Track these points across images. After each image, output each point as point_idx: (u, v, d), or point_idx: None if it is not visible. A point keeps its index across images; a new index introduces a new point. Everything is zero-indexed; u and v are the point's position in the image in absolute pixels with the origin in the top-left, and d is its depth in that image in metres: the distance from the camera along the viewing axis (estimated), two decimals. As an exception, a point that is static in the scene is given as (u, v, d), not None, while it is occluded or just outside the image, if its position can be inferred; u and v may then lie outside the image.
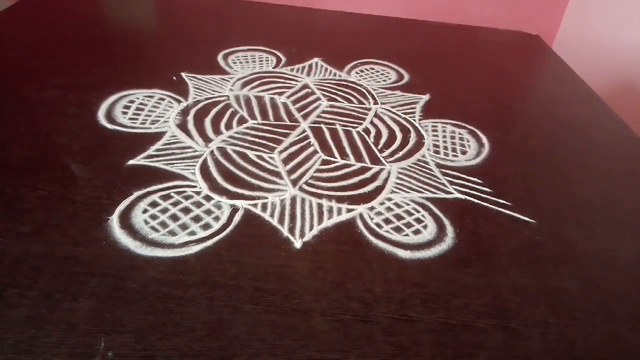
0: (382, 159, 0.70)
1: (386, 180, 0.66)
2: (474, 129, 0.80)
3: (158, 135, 0.69)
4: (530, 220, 0.61)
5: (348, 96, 0.86)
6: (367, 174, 0.66)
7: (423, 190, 0.65)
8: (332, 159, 0.69)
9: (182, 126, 0.72)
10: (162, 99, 0.78)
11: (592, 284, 0.54)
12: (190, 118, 0.74)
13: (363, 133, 0.75)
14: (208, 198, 0.59)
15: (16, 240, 0.50)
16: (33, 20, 1.02)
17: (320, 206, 0.60)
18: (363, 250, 0.54)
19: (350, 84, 0.90)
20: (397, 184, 0.65)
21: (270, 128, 0.74)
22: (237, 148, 0.69)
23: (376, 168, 0.68)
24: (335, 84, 0.90)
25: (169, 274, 0.48)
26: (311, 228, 0.56)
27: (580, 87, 1.00)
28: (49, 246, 0.50)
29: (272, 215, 0.57)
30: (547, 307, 0.50)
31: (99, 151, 0.65)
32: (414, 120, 0.81)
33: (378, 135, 0.75)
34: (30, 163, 0.61)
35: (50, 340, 0.41)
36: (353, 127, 0.77)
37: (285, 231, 0.55)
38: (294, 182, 0.63)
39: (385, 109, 0.83)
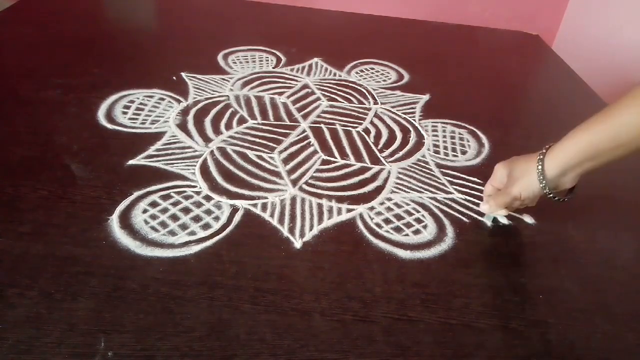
0: (382, 159, 0.70)
1: (386, 180, 0.66)
2: (474, 129, 0.80)
3: (158, 135, 0.69)
4: (530, 220, 0.61)
5: (348, 96, 0.86)
6: (367, 174, 0.66)
7: (423, 190, 0.65)
8: (332, 159, 0.69)
9: (182, 126, 0.72)
10: (162, 99, 0.78)
11: (592, 284, 0.54)
12: (190, 118, 0.74)
13: (363, 133, 0.75)
14: (208, 198, 0.59)
15: (16, 240, 0.50)
16: (33, 20, 1.02)
17: (320, 206, 0.59)
18: (363, 250, 0.54)
19: (350, 84, 0.90)
20: (397, 184, 0.65)
21: (270, 128, 0.74)
22: (237, 148, 0.69)
23: (376, 168, 0.68)
24: (335, 84, 0.90)
25: (169, 274, 0.48)
26: (311, 228, 0.56)
27: (580, 87, 1.00)
28: (49, 246, 0.50)
29: (272, 215, 0.57)
30: (547, 307, 0.50)
31: (99, 151, 0.65)
32: (414, 120, 0.81)
33: (378, 135, 0.75)
34: (30, 163, 0.61)
35: (50, 340, 0.41)
36: (353, 127, 0.77)
37: (285, 231, 0.55)
38: (294, 182, 0.63)
39: (385, 109, 0.83)
